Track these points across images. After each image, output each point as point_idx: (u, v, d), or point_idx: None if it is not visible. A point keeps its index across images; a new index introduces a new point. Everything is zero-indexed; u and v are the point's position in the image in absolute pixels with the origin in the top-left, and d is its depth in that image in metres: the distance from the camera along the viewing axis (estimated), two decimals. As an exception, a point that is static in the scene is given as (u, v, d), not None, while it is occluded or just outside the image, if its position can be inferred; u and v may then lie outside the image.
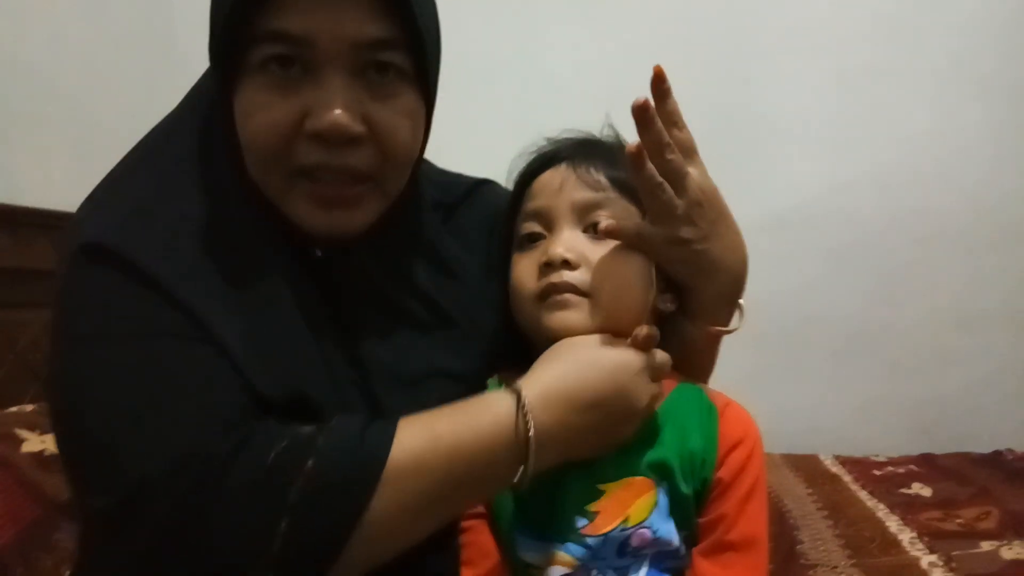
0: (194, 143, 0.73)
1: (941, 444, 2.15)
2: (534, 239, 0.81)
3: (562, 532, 0.76)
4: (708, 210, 0.73)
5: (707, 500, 0.77)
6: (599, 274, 0.76)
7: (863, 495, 1.71)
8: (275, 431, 0.63)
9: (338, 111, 0.65)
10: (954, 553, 1.32)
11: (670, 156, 0.70)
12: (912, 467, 1.96)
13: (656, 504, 0.76)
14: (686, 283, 0.78)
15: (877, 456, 2.08)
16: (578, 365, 0.72)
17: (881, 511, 1.59)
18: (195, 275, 0.67)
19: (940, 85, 2.26)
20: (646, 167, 0.69)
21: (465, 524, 0.79)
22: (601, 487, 0.75)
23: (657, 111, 0.69)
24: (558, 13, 2.31)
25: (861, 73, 2.27)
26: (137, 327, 0.64)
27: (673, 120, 0.71)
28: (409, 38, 0.69)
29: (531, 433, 0.66)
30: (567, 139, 0.86)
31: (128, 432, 0.61)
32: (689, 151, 0.72)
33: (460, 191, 0.94)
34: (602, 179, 0.80)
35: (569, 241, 0.78)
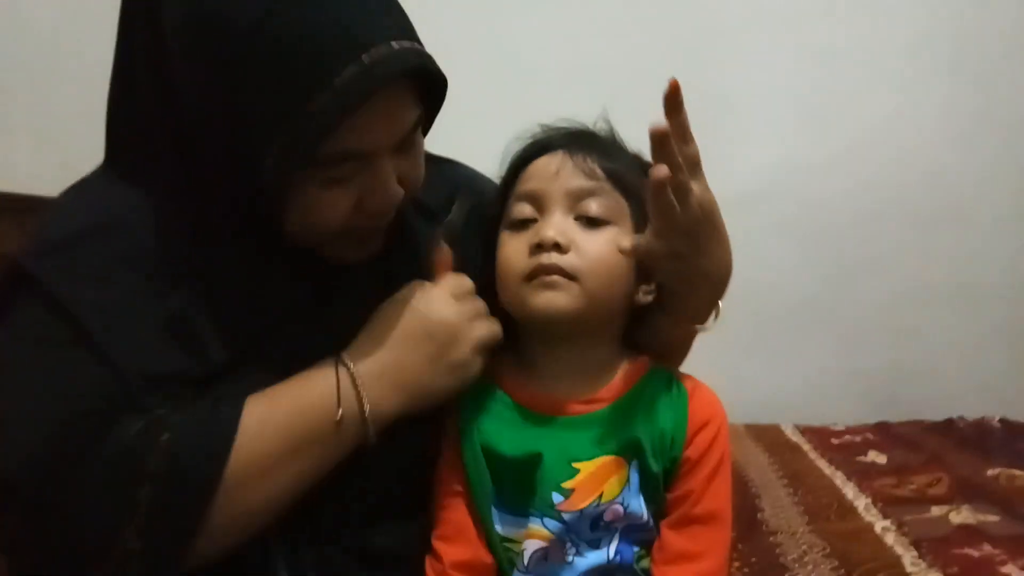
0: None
1: (897, 413, 2.23)
2: (525, 222, 0.82)
3: (538, 508, 0.79)
4: (706, 225, 0.74)
5: (675, 477, 0.80)
6: (587, 261, 0.78)
7: (822, 463, 1.77)
8: (134, 418, 0.68)
9: (392, 191, 0.75)
10: (906, 518, 1.38)
11: (680, 177, 0.70)
12: (868, 435, 2.02)
13: (628, 481, 0.79)
14: (673, 289, 0.81)
15: (835, 425, 2.15)
16: (384, 317, 0.80)
17: (839, 479, 1.65)
18: (100, 285, 0.72)
19: (903, 67, 2.31)
20: (666, 193, 0.70)
21: (443, 502, 0.82)
22: (576, 465, 0.79)
23: (669, 124, 0.69)
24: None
25: (823, 53, 2.32)
26: (15, 335, 0.71)
27: (682, 134, 0.70)
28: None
29: (351, 368, 0.75)
30: (563, 128, 0.88)
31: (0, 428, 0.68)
32: (694, 165, 0.72)
33: (441, 193, 0.93)
34: (597, 169, 0.81)
35: (561, 225, 0.79)
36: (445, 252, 0.85)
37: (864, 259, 2.29)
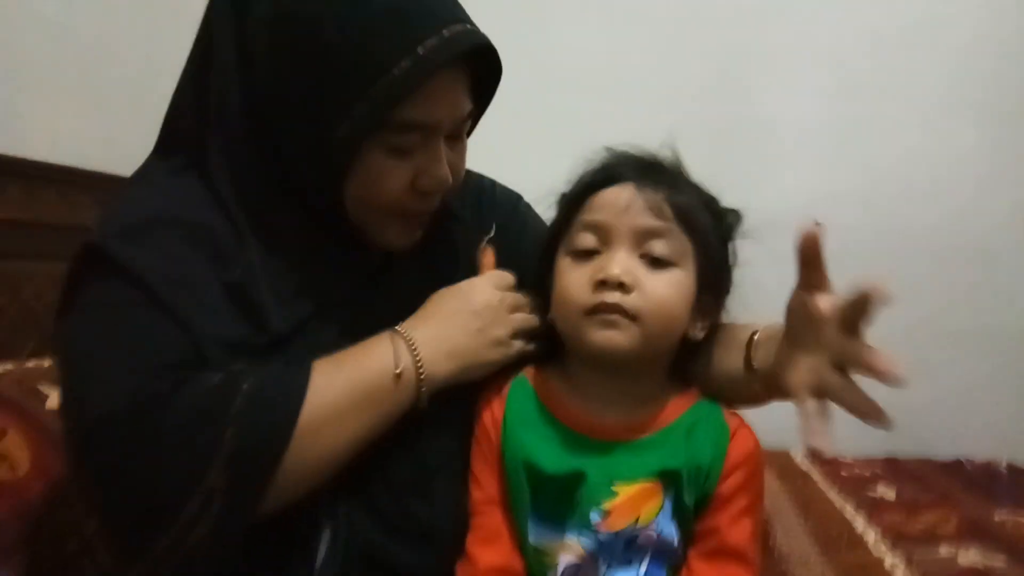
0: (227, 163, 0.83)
1: (902, 448, 2.24)
2: (589, 252, 0.82)
3: (576, 524, 0.81)
4: None
5: (704, 510, 0.83)
6: (650, 303, 0.79)
7: (832, 494, 1.79)
8: (213, 372, 0.74)
9: (443, 172, 0.83)
10: (916, 556, 1.40)
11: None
12: (877, 471, 2.04)
13: (662, 507, 0.82)
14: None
15: (844, 457, 2.17)
16: (435, 301, 0.88)
17: (848, 511, 1.66)
18: (173, 264, 0.78)
19: (935, 106, 2.32)
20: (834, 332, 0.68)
21: (480, 508, 0.85)
22: (616, 487, 0.81)
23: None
24: (568, 15, 2.35)
25: (858, 88, 2.33)
26: (106, 303, 0.76)
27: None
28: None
29: (407, 336, 0.82)
30: (632, 155, 0.88)
31: (87, 384, 0.73)
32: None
33: (467, 199, 1.02)
34: (666, 207, 0.81)
35: (627, 263, 0.80)
36: (489, 252, 0.96)
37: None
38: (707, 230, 0.84)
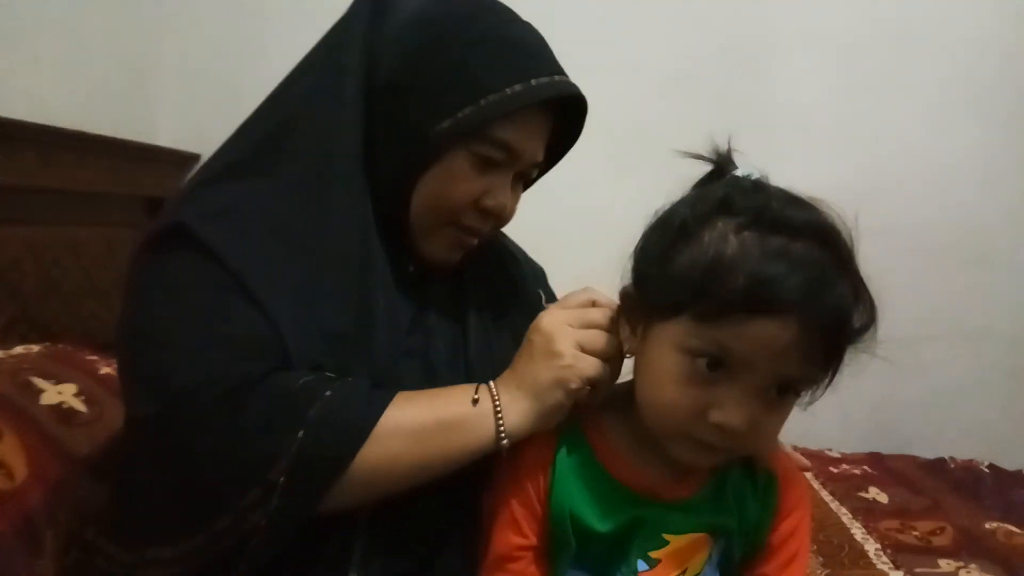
0: (308, 158, 0.87)
1: (885, 444, 2.28)
2: (713, 367, 0.68)
3: (621, 572, 0.78)
4: None
5: (753, 559, 0.81)
6: (756, 442, 0.73)
7: (825, 495, 1.81)
8: (302, 372, 0.77)
9: (508, 201, 0.92)
10: (917, 570, 1.41)
11: None
12: (866, 468, 2.06)
13: (709, 558, 0.79)
14: None
15: (831, 451, 2.19)
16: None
17: (845, 516, 1.68)
18: (254, 252, 0.80)
19: (939, 102, 2.31)
20: None
21: (513, 554, 0.80)
22: (667, 537, 0.78)
23: None
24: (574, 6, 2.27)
25: (865, 81, 2.31)
26: (190, 282, 0.79)
27: None
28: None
29: (490, 383, 0.81)
30: (802, 256, 0.65)
31: (172, 356, 0.76)
32: None
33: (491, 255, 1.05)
34: (831, 356, 0.67)
35: (751, 413, 0.67)
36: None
37: (882, 291, 2.28)
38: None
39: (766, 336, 0.65)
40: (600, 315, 0.82)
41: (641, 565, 0.78)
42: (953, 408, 2.35)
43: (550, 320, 0.82)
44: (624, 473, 0.79)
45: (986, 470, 2.12)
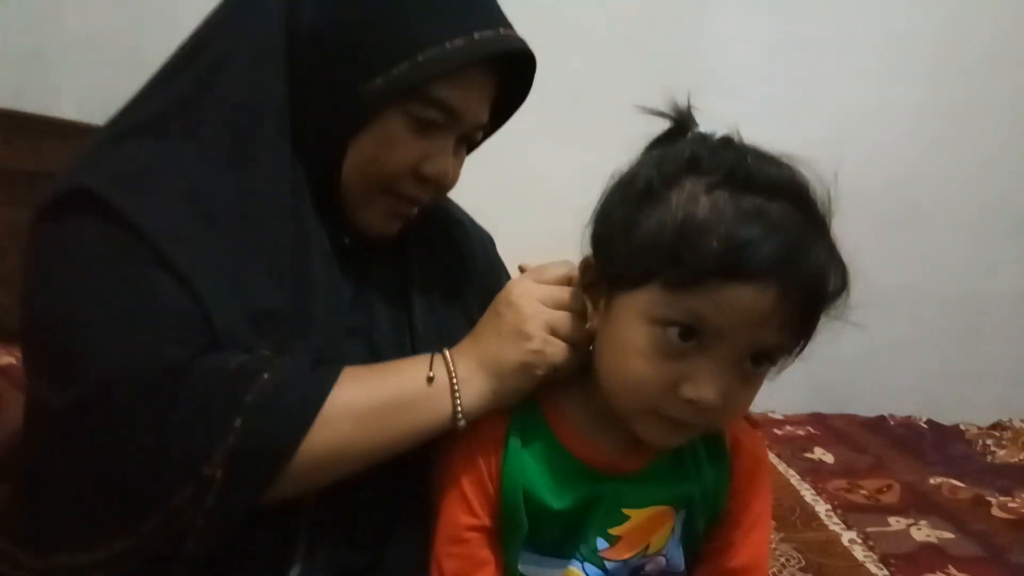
0: (229, 119, 0.78)
1: (827, 404, 2.29)
2: (685, 337, 0.62)
3: (580, 553, 0.74)
4: None
5: (715, 528, 0.78)
6: (730, 413, 0.68)
7: (772, 457, 1.79)
8: (235, 352, 0.70)
9: (450, 166, 0.83)
10: (869, 530, 1.40)
11: None
12: (809, 428, 2.07)
13: (672, 532, 0.76)
14: None
15: (774, 413, 2.19)
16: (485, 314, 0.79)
17: (794, 478, 1.67)
18: (174, 221, 0.72)
19: (880, 64, 2.31)
20: None
21: (466, 534, 0.74)
22: (626, 512, 0.74)
23: None
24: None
25: (804, 42, 2.30)
26: (104, 254, 0.70)
27: None
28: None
29: (447, 351, 0.76)
30: (778, 218, 0.61)
31: (90, 338, 0.68)
32: None
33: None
34: (808, 322, 0.64)
35: (726, 384, 0.63)
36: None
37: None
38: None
39: (742, 303, 0.60)
40: (575, 296, 0.76)
41: (601, 543, 0.74)
42: (890, 367, 2.38)
43: (523, 294, 0.75)
44: (581, 448, 0.74)
45: (924, 426, 2.16)
